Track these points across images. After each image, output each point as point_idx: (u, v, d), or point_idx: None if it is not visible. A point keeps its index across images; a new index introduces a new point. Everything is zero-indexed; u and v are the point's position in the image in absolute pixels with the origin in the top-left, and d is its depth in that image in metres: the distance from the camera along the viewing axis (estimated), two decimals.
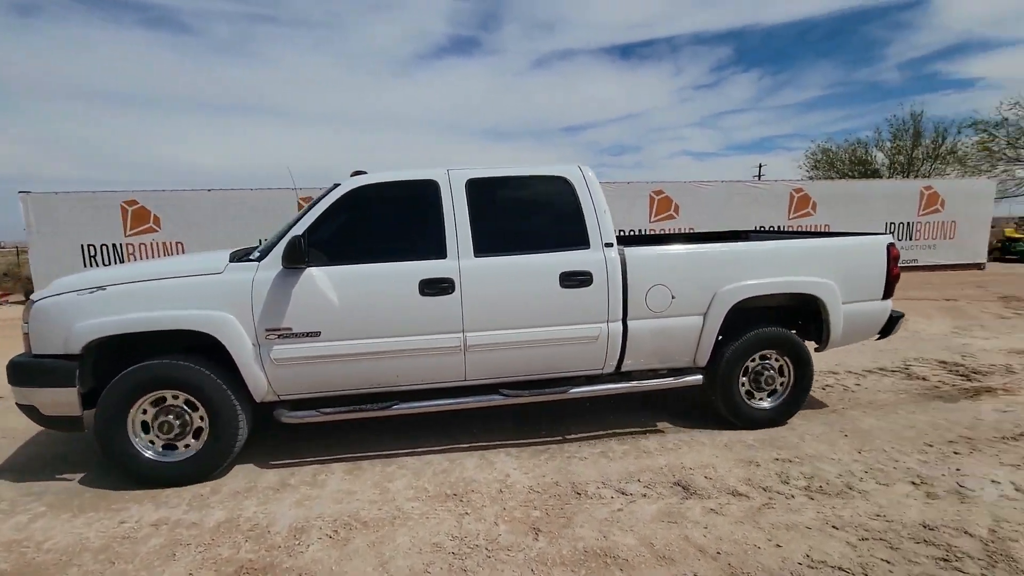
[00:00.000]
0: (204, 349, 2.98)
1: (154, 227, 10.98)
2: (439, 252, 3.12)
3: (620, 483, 2.89)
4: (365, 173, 3.29)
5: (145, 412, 2.95)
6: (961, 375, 4.74)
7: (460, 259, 3.11)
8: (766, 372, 3.61)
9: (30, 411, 2.93)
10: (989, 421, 3.65)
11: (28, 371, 2.86)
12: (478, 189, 3.23)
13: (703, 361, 3.51)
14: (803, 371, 3.64)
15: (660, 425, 3.70)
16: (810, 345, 3.76)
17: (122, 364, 2.92)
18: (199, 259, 3.31)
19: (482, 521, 2.54)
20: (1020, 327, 6.63)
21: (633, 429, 3.64)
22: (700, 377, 3.53)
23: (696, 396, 4.16)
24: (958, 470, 2.95)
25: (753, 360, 3.60)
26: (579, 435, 3.57)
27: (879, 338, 3.91)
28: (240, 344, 2.91)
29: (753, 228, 11.14)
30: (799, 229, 11.96)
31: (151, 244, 10.92)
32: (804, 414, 3.83)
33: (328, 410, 3.15)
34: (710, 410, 3.82)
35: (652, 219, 12.05)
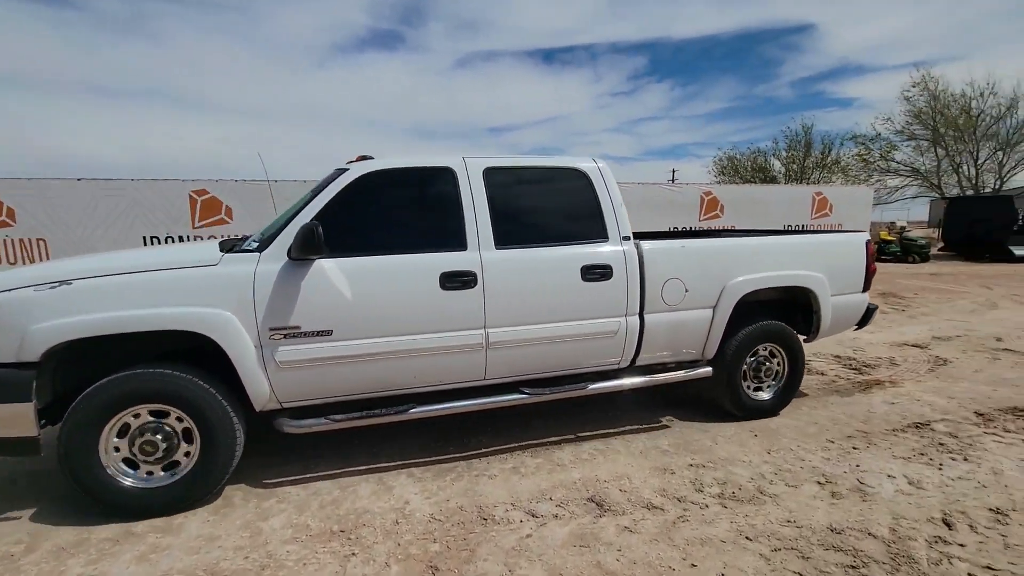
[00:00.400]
0: (185, 354, 2.66)
1: (8, 221, 9.41)
2: (459, 243, 2.95)
3: (531, 503, 2.65)
4: (371, 158, 3.05)
5: (124, 430, 2.50)
6: (853, 369, 5.01)
7: (481, 251, 2.96)
8: (766, 364, 3.73)
9: None
10: (880, 413, 3.82)
11: None
12: (496, 178, 3.09)
13: (711, 354, 3.56)
14: (796, 362, 3.79)
15: (574, 434, 3.52)
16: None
17: (84, 373, 2.51)
18: (183, 250, 3.01)
19: (371, 563, 2.19)
20: (899, 321, 7.24)
21: (548, 440, 3.43)
22: (710, 370, 3.57)
23: (608, 399, 4.04)
24: (858, 466, 3.00)
25: (755, 353, 3.69)
26: (490, 449, 3.30)
27: (856, 328, 4.13)
28: (241, 346, 2.56)
29: (668, 228, 11.51)
30: (710, 229, 12.52)
31: (4, 241, 9.36)
32: (716, 412, 3.82)
33: (338, 417, 2.84)
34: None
35: None
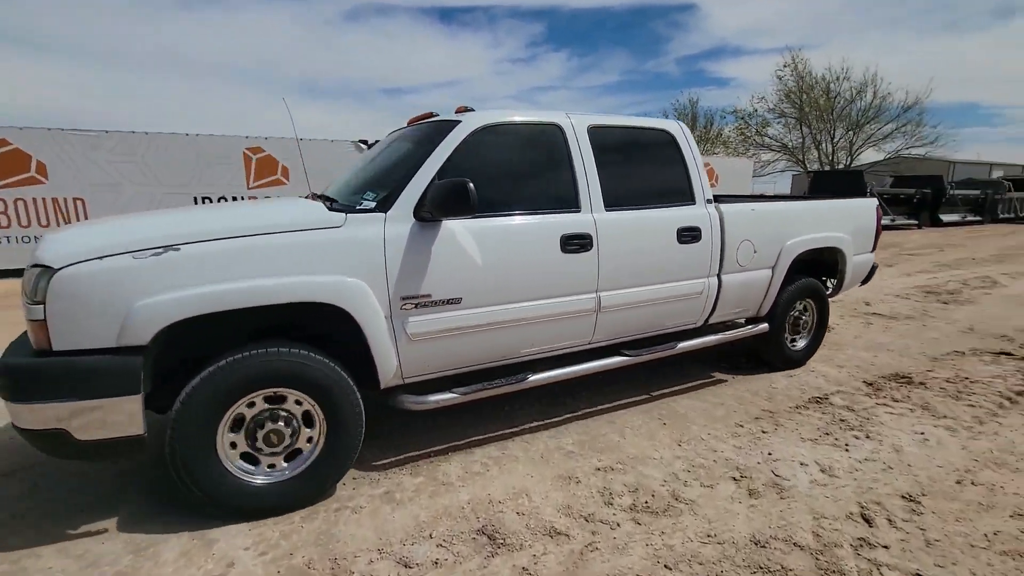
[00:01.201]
0: (285, 330, 2.31)
1: None
2: (574, 204, 2.85)
3: (405, 546, 2.05)
4: (472, 110, 2.80)
5: (240, 418, 2.15)
6: None
7: (594, 212, 2.88)
8: (803, 318, 4.06)
9: (50, 440, 1.86)
10: (781, 388, 3.71)
11: (54, 377, 1.81)
12: (598, 137, 2.98)
13: (765, 311, 3.77)
14: (824, 316, 4.15)
15: (464, 438, 2.96)
16: None
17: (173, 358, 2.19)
18: (287, 208, 2.52)
19: None
20: None
21: (432, 448, 2.84)
22: (767, 326, 3.77)
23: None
24: (770, 454, 2.77)
25: (795, 308, 3.98)
26: (358, 467, 2.64)
27: (861, 285, 4.54)
28: (373, 317, 2.30)
29: None
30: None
31: None
32: (623, 402, 3.47)
33: (464, 389, 2.65)
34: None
35: None
